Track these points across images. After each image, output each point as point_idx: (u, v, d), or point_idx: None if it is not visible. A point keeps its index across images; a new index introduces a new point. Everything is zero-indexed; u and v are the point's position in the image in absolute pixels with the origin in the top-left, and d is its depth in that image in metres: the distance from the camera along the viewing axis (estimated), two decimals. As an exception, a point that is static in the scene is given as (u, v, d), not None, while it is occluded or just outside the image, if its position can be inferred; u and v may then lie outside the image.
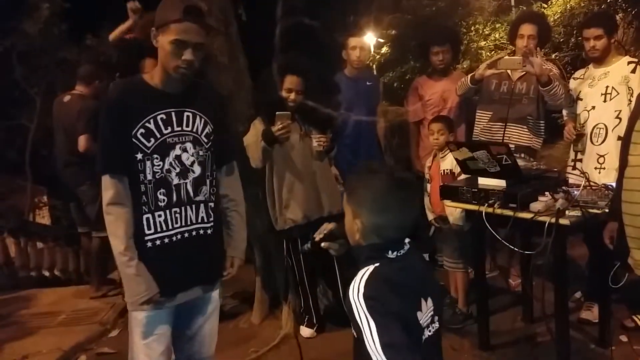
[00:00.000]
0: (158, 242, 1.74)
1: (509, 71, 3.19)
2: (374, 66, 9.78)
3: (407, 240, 1.35)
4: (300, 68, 2.93)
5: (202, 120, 1.81)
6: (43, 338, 3.41)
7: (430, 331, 1.30)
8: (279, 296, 3.36)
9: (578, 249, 3.20)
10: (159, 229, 1.74)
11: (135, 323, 1.77)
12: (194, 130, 1.79)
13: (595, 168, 2.87)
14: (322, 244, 1.53)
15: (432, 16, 8.33)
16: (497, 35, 7.90)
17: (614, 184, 2.34)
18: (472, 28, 8.16)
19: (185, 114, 1.78)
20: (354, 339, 1.31)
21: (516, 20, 3.42)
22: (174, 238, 1.76)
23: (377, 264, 1.27)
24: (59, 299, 4.12)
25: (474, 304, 2.94)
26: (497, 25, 8.01)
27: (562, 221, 2.16)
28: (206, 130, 1.82)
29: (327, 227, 1.54)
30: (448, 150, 2.93)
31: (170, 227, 1.75)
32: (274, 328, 3.22)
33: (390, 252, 1.30)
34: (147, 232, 1.73)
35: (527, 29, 3.13)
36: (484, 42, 8.07)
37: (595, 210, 2.25)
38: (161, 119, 1.73)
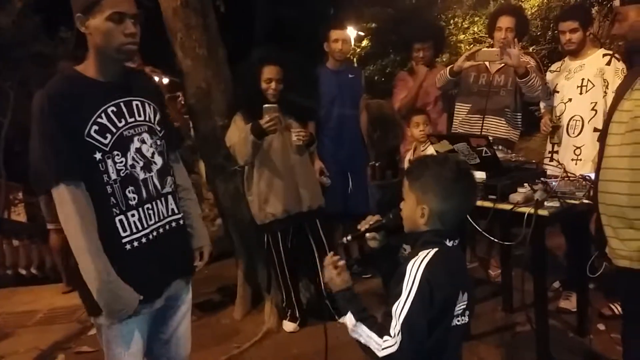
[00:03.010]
0: (136, 243, 1.63)
1: (487, 63, 3.22)
2: (355, 59, 9.77)
3: None
4: (278, 57, 2.91)
5: (152, 107, 1.71)
6: (20, 337, 3.36)
7: (458, 321, 1.38)
8: (261, 291, 3.35)
9: (556, 239, 3.25)
10: (134, 230, 1.63)
11: (114, 335, 1.65)
12: (147, 119, 1.68)
13: (572, 160, 2.91)
14: (367, 235, 1.54)
15: (412, 9, 8.36)
16: (475, 29, 8.00)
17: (591, 175, 2.37)
18: (451, 21, 8.24)
19: (134, 102, 1.66)
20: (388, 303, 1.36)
21: (494, 13, 3.44)
22: (150, 236, 1.67)
23: (437, 249, 1.34)
24: (36, 298, 4.05)
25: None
26: (476, 19, 8.09)
27: (541, 212, 2.18)
28: (157, 117, 1.72)
29: (373, 218, 1.55)
30: (429, 143, 2.95)
31: (145, 225, 1.65)
32: (257, 323, 3.21)
33: (448, 240, 1.37)
34: (122, 234, 1.61)
35: (505, 22, 3.16)
36: (463, 36, 8.15)
37: (573, 201, 2.28)
38: (112, 111, 1.60)
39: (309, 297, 3.33)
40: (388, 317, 1.32)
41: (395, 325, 1.29)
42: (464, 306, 1.37)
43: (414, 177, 1.41)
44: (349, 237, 1.57)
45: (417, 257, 1.33)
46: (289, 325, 3.10)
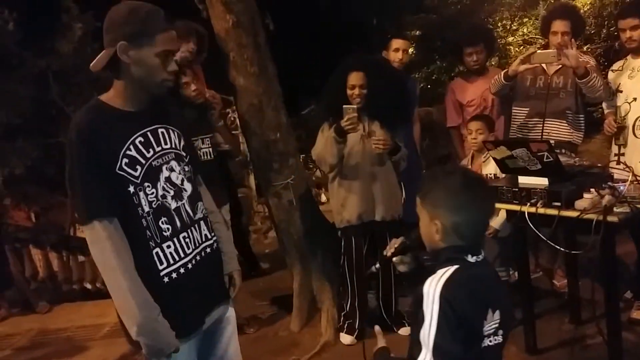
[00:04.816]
0: (174, 274, 1.58)
1: (544, 65, 3.11)
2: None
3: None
4: (364, 64, 2.94)
5: (176, 133, 1.67)
6: (89, 350, 3.50)
7: (490, 342, 1.29)
8: (317, 302, 3.35)
9: (624, 246, 3.08)
10: (171, 261, 1.58)
11: None
12: (173, 146, 1.64)
13: (640, 162, 2.78)
14: (394, 259, 1.50)
15: (457, 15, 8.22)
16: (525, 30, 7.76)
17: (662, 178, 2.25)
18: (499, 24, 8.03)
19: (159, 130, 1.61)
20: (412, 330, 1.32)
21: (548, 16, 3.29)
22: (189, 265, 1.62)
23: (457, 266, 1.27)
24: (102, 312, 4.20)
25: (518, 307, 2.86)
26: (525, 20, 7.85)
27: (610, 218, 2.09)
28: (182, 143, 1.68)
29: (397, 241, 1.51)
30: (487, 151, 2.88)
31: (182, 255, 1.61)
32: (314, 335, 3.21)
33: (470, 255, 1.30)
34: (160, 267, 1.56)
35: (560, 26, 3.03)
36: (512, 38, 7.92)
37: (644, 206, 2.16)
38: (140, 142, 1.55)
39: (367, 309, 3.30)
40: (417, 345, 1.24)
41: (426, 355, 1.22)
42: (496, 325, 1.28)
43: (423, 193, 1.37)
44: (377, 265, 1.54)
45: (434, 275, 1.27)
46: (346, 338, 3.08)
